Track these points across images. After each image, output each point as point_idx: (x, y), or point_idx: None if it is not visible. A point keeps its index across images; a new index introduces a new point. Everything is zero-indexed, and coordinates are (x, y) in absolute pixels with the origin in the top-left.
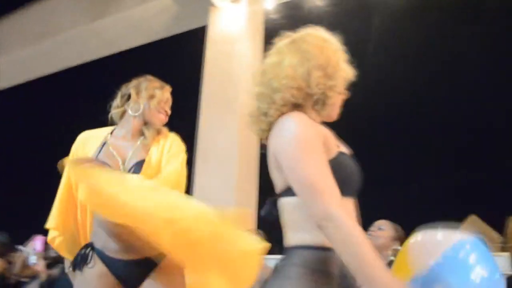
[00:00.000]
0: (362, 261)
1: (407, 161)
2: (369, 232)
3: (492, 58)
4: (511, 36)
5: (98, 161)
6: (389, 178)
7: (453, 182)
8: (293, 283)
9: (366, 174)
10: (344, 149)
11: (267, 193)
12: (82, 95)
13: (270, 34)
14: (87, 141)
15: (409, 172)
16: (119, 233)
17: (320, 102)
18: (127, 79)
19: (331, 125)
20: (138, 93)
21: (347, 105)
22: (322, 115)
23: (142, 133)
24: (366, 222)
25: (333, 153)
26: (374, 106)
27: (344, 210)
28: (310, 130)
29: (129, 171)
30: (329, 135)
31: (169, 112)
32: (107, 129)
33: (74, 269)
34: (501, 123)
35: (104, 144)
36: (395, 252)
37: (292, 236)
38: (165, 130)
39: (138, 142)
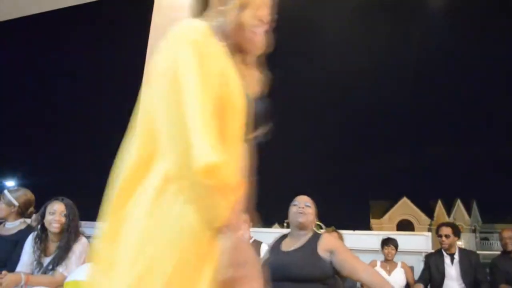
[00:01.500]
0: None
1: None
2: (299, 210)
3: None
4: None
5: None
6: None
7: (387, 166)
8: None
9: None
10: None
11: None
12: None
13: None
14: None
15: (349, 154)
16: None
17: None
18: (72, 36)
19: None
20: None
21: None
22: None
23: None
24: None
25: None
26: None
27: None
28: None
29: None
30: None
31: (268, 25)
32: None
33: None
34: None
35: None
36: (318, 227)
37: None
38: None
39: None
